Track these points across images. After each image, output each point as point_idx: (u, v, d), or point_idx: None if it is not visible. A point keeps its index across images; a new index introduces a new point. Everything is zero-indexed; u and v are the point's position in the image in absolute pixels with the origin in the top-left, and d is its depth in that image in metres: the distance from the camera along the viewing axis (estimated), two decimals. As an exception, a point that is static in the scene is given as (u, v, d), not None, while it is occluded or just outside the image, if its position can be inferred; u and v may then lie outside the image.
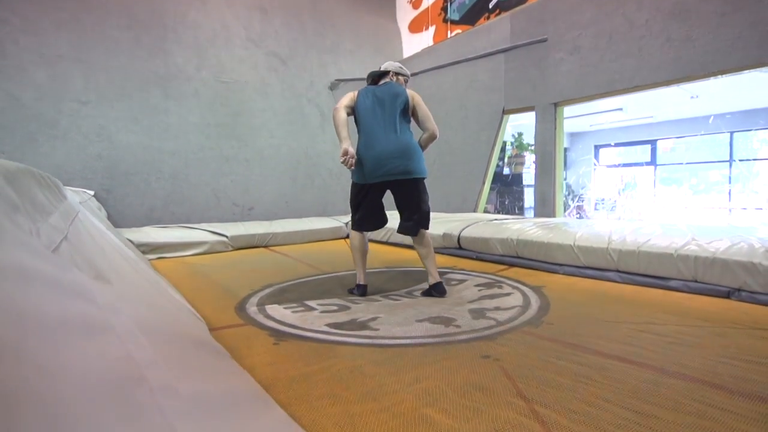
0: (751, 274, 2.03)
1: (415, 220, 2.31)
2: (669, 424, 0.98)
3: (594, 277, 2.60)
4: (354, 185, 2.39)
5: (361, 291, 2.29)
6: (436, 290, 2.23)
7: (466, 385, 1.19)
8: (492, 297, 2.21)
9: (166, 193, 4.39)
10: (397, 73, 2.48)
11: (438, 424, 1.00)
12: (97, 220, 1.79)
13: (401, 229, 2.36)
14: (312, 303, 2.16)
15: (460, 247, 3.45)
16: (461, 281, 2.60)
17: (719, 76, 3.38)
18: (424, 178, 2.36)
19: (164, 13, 4.40)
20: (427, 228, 2.35)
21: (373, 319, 1.87)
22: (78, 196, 2.81)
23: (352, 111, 2.39)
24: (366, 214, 2.36)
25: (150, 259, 3.40)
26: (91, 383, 0.33)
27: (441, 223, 3.75)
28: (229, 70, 4.80)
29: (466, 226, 3.48)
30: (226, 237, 3.98)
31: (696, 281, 2.22)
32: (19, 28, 3.69)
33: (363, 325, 1.79)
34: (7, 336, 0.29)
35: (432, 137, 2.41)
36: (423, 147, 2.45)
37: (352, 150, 2.19)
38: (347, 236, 4.78)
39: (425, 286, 2.35)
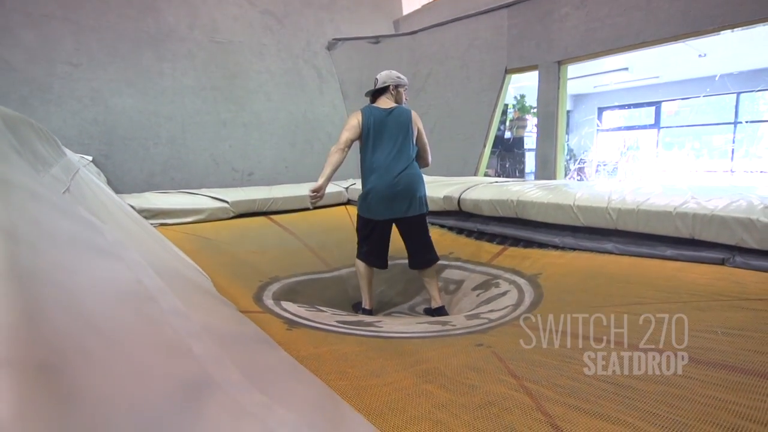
0: (748, 231, 2.04)
1: (423, 255, 2.39)
2: (642, 393, 1.07)
3: (592, 249, 2.60)
4: (360, 218, 2.38)
5: (367, 315, 2.33)
6: (438, 314, 2.30)
7: (461, 367, 1.27)
8: (488, 302, 2.28)
9: (165, 159, 4.36)
10: (396, 86, 2.41)
11: (437, 396, 1.08)
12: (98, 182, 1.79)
13: (416, 265, 2.41)
14: (322, 307, 2.27)
15: (460, 210, 3.46)
16: (458, 285, 2.66)
17: (730, 30, 3.28)
18: (428, 211, 2.44)
19: (152, -32, 4.21)
20: (437, 260, 2.43)
21: (378, 321, 2.03)
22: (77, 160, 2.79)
23: (358, 134, 2.36)
24: (373, 249, 2.37)
25: (152, 225, 3.42)
26: (106, 289, 0.35)
27: (441, 186, 3.75)
28: (223, 29, 4.65)
29: (466, 189, 3.47)
30: (227, 203, 3.99)
31: (693, 239, 2.24)
32: (1, -15, 3.54)
33: (369, 324, 1.93)
34: (22, 231, 0.30)
35: (424, 167, 2.48)
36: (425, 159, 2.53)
37: (324, 191, 2.24)
38: (348, 201, 4.79)
39: (426, 294, 2.41)
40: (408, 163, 2.30)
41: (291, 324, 1.75)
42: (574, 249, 2.67)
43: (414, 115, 2.40)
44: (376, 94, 2.43)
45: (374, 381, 1.16)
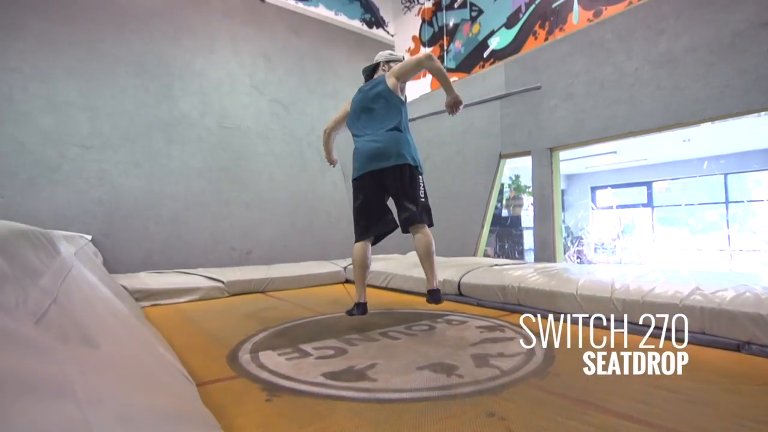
0: (759, 327, 1.97)
1: (411, 210, 2.21)
2: None
3: (598, 326, 2.52)
4: (353, 188, 2.35)
5: (361, 310, 2.11)
6: (432, 296, 2.10)
7: None
8: (494, 341, 2.16)
9: (164, 237, 4.37)
10: (387, 62, 2.47)
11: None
12: (90, 273, 1.76)
13: (401, 225, 2.25)
14: (307, 347, 2.10)
15: (461, 294, 3.38)
16: (462, 322, 2.56)
17: (710, 122, 3.48)
18: (416, 167, 2.31)
19: (172, 62, 4.56)
20: (429, 223, 2.24)
21: (371, 366, 1.81)
22: (75, 242, 2.78)
23: (344, 116, 2.55)
24: (370, 219, 2.26)
25: (144, 306, 3.33)
26: None
27: (440, 269, 3.71)
28: (233, 116, 4.92)
29: (466, 272, 3.43)
30: (223, 283, 3.92)
31: (704, 333, 2.16)
32: (29, 75, 3.81)
33: (361, 375, 1.72)
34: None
35: (427, 65, 2.26)
36: (441, 80, 2.30)
37: (332, 157, 2.73)
38: (345, 281, 4.71)
39: (425, 324, 2.26)
40: (391, 125, 2.25)
41: (270, 390, 1.57)
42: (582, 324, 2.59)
43: (390, 71, 2.32)
44: (371, 74, 2.49)
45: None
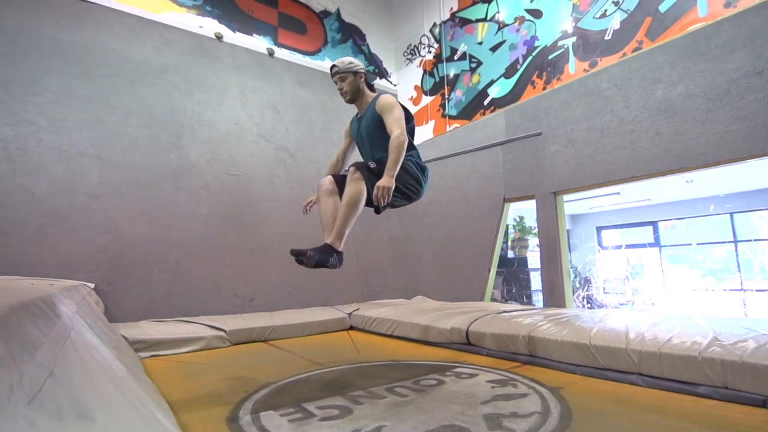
0: (786, 381, 1.88)
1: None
2: None
3: (614, 379, 2.42)
4: None
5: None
6: (322, 253, 2.17)
7: None
8: (507, 398, 2.07)
9: (167, 285, 4.33)
10: (349, 72, 2.54)
11: None
12: (90, 330, 1.72)
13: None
14: (310, 406, 2.01)
15: (469, 343, 3.28)
16: (472, 375, 2.47)
17: (711, 167, 3.50)
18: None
19: (182, 114, 4.72)
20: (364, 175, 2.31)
21: (378, 429, 1.72)
22: (78, 292, 2.75)
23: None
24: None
25: (143, 358, 3.25)
26: None
27: (448, 316, 3.62)
28: (240, 163, 5.03)
29: (474, 320, 3.34)
30: (225, 331, 3.83)
31: (726, 388, 2.05)
32: (44, 128, 3.93)
33: None
34: None
35: (397, 144, 2.27)
36: (392, 155, 2.29)
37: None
38: (350, 327, 4.60)
39: (433, 378, 2.18)
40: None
41: None
42: (596, 377, 2.47)
43: (380, 100, 2.51)
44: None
45: None
